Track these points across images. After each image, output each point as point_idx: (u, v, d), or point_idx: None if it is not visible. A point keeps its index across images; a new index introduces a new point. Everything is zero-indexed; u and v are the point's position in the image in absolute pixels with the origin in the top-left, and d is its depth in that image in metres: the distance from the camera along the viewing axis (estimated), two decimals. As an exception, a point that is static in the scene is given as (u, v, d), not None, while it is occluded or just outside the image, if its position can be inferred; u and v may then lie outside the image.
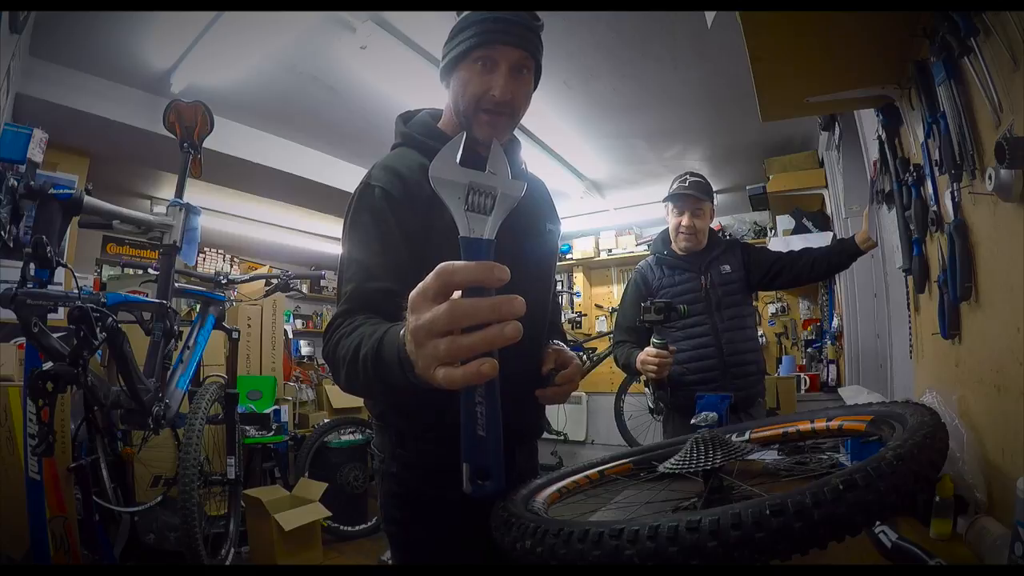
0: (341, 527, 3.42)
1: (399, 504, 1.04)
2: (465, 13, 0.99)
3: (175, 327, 2.21)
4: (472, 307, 0.50)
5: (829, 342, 3.68)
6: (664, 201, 2.10)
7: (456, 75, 1.01)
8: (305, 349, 5.79)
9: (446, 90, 1.06)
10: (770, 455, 1.32)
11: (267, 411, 3.62)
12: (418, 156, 1.01)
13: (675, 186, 2.06)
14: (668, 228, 2.11)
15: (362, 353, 0.71)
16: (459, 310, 0.50)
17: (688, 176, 2.06)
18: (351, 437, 3.70)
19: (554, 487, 1.00)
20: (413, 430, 1.01)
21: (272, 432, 3.41)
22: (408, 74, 2.66)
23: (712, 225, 2.14)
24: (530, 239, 1.07)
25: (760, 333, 3.84)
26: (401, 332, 0.61)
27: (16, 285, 1.53)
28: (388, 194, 0.94)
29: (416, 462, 1.01)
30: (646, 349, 1.81)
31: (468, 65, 0.99)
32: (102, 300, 1.75)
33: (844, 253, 1.86)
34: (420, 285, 0.53)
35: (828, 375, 3.54)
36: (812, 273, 1.93)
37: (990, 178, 0.89)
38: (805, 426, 1.02)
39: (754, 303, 2.14)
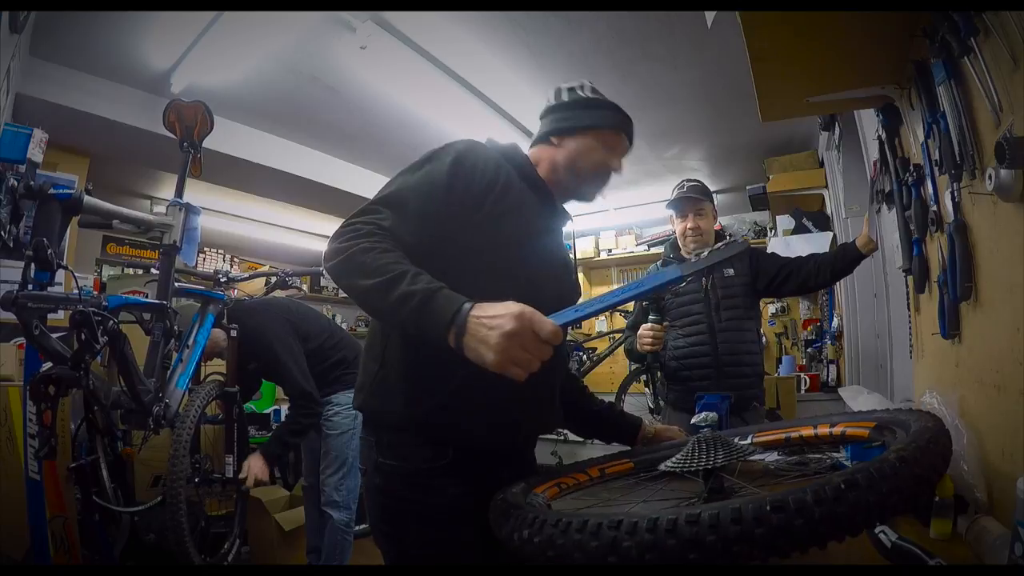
0: (341, 527, 3.40)
1: (386, 517, 1.01)
2: (593, 96, 1.22)
3: (175, 327, 2.21)
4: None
5: (829, 342, 3.68)
6: (667, 208, 2.18)
7: (580, 138, 1.16)
8: (305, 349, 5.77)
9: (548, 144, 1.19)
10: (771, 456, 1.32)
11: (267, 411, 3.62)
12: (498, 156, 1.10)
13: (674, 193, 2.15)
14: (676, 236, 2.19)
15: (403, 288, 0.79)
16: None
17: (685, 182, 2.15)
18: (351, 437, 3.68)
19: (553, 482, 1.00)
20: (392, 437, 1.00)
21: (272, 432, 3.40)
22: (408, 74, 2.65)
23: (714, 226, 2.17)
24: (560, 244, 1.21)
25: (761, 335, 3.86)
26: (466, 308, 0.76)
27: (17, 287, 1.53)
28: (457, 157, 1.01)
29: (397, 469, 0.99)
30: (642, 325, 1.95)
31: (599, 136, 1.17)
32: (103, 303, 1.75)
33: (846, 258, 1.88)
34: (518, 317, 0.74)
35: (828, 375, 3.54)
36: (818, 278, 1.94)
37: (990, 178, 0.90)
38: (808, 431, 1.01)
39: (759, 308, 2.16)
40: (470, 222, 0.99)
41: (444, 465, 0.97)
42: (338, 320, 5.02)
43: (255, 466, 2.25)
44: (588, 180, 1.17)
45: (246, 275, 2.86)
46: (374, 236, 0.85)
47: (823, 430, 0.98)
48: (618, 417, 1.34)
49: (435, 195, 0.96)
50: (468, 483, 0.97)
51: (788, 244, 3.24)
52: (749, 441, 1.07)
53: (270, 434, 3.36)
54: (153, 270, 2.66)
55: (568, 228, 1.26)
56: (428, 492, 0.97)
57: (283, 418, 3.48)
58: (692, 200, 2.08)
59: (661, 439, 1.27)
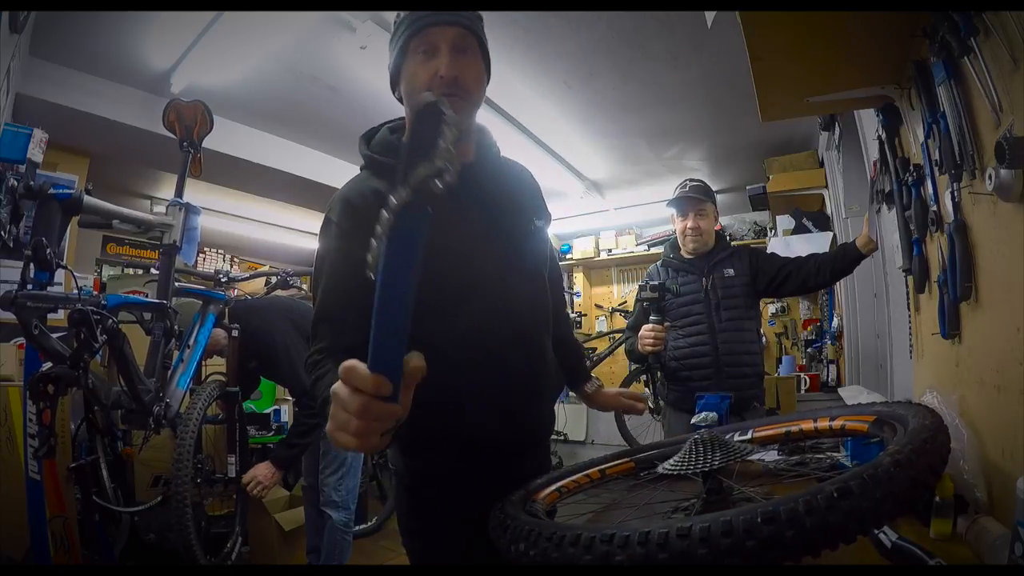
0: (341, 527, 3.40)
1: (415, 515, 1.05)
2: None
3: (175, 326, 2.21)
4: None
5: (829, 342, 3.68)
6: (668, 207, 2.18)
7: (403, 76, 0.99)
8: (305, 349, 5.78)
9: (401, 103, 1.05)
10: (770, 455, 1.32)
11: (267, 411, 3.61)
12: (374, 181, 1.00)
13: (676, 192, 2.15)
14: (676, 235, 2.18)
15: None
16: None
17: (688, 182, 2.15)
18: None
19: (553, 487, 1.00)
20: (421, 441, 1.02)
21: (272, 432, 3.40)
22: (408, 74, 2.65)
23: (715, 227, 2.18)
24: (515, 239, 1.06)
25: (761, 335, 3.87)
26: None
27: (16, 287, 1.53)
28: (341, 229, 0.96)
29: (425, 471, 1.03)
30: (644, 326, 1.95)
31: (410, 58, 0.97)
32: (102, 302, 1.75)
33: (846, 258, 1.88)
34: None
35: (828, 375, 3.54)
36: (818, 278, 1.95)
37: (990, 178, 0.90)
38: (808, 425, 1.01)
39: (759, 308, 2.16)
40: None
41: (458, 464, 1.00)
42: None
43: (260, 473, 2.21)
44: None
45: (246, 275, 2.87)
46: (316, 368, 0.89)
47: (823, 423, 0.98)
48: (575, 359, 1.33)
49: (346, 274, 0.93)
50: (488, 480, 0.98)
51: (788, 244, 3.24)
52: (749, 436, 1.07)
53: (270, 434, 3.37)
54: (153, 270, 2.66)
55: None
56: (448, 490, 1.01)
57: (283, 418, 3.51)
58: (694, 200, 2.09)
59: (603, 398, 1.31)
